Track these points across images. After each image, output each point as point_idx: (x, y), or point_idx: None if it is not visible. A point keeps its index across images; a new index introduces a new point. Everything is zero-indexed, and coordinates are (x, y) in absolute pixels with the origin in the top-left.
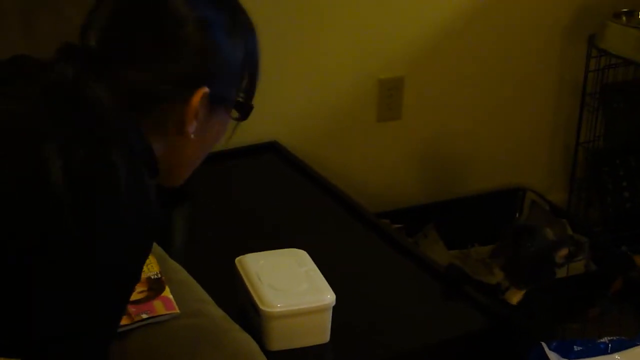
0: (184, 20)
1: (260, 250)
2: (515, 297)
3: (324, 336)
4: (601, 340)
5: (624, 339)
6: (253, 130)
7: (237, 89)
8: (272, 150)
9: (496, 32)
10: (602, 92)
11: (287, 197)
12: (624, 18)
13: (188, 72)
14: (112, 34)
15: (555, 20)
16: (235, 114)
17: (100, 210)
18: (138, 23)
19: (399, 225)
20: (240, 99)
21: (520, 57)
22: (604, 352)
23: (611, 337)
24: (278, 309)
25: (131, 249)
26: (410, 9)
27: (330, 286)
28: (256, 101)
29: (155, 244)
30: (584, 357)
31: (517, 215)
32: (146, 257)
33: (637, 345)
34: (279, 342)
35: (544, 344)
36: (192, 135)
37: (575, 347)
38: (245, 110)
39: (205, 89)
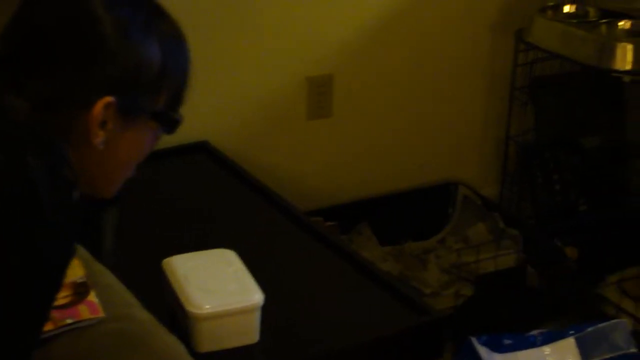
0: (96, 25)
1: (191, 251)
2: None
3: (253, 336)
4: (531, 333)
5: (553, 332)
6: (183, 130)
7: (157, 98)
8: (202, 150)
9: (425, 28)
10: (530, 86)
11: (217, 197)
12: (550, 12)
13: (94, 80)
14: (19, 39)
15: (483, 15)
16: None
17: (19, 218)
18: (49, 28)
19: (333, 223)
20: (163, 110)
21: (449, 52)
22: (534, 345)
23: (541, 330)
24: (205, 310)
25: (55, 255)
26: (338, 6)
27: (260, 286)
28: (186, 101)
29: (81, 247)
30: (514, 351)
31: (449, 210)
32: (68, 262)
33: (566, 337)
34: (208, 343)
35: (473, 339)
36: (101, 147)
37: (505, 340)
38: (169, 123)
39: (109, 99)
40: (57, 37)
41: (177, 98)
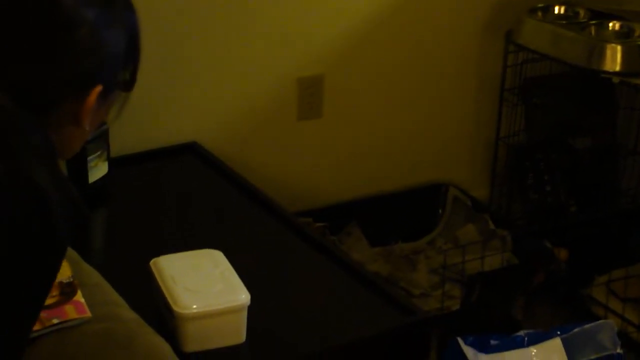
0: (74, 22)
1: (178, 252)
2: None
3: (240, 336)
4: (517, 334)
5: (540, 332)
6: (172, 131)
7: (125, 72)
8: (191, 150)
9: (415, 30)
10: (521, 87)
11: (206, 198)
12: (539, 13)
13: (81, 73)
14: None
15: (474, 17)
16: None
17: (28, 223)
18: (27, 26)
19: (322, 224)
20: (127, 78)
21: (439, 54)
22: (520, 345)
23: (527, 330)
24: (192, 310)
25: (55, 252)
26: (328, 7)
27: (247, 286)
28: (175, 102)
29: (68, 247)
30: (501, 351)
31: (439, 211)
32: (61, 263)
33: (553, 338)
34: (194, 343)
35: (459, 339)
36: (87, 128)
37: (491, 341)
38: (130, 86)
39: (100, 87)
40: (33, 36)
41: (137, 62)
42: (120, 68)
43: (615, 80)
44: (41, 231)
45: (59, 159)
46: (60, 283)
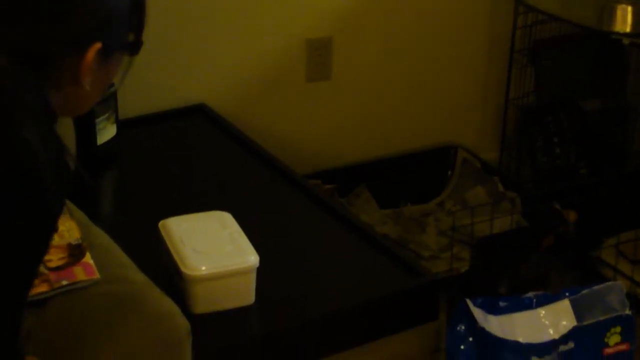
0: None
1: (187, 213)
2: None
3: (249, 298)
4: (526, 296)
5: (549, 294)
6: (181, 92)
7: (129, 32)
8: (200, 112)
9: None
10: (530, 48)
11: (214, 160)
12: None
13: (79, 31)
14: None
15: None
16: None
17: (15, 178)
18: None
19: (331, 186)
20: (131, 39)
21: (449, 15)
22: (529, 306)
23: (536, 292)
24: (201, 272)
25: (44, 212)
26: None
27: (256, 248)
28: (184, 64)
29: (77, 209)
30: (509, 313)
31: (449, 173)
32: (58, 218)
33: (561, 299)
34: (204, 305)
35: (468, 300)
36: (88, 87)
37: (500, 302)
38: (136, 48)
39: (98, 45)
40: None
41: (142, 24)
42: (122, 28)
43: (626, 41)
44: (28, 189)
45: (63, 116)
46: (69, 245)
